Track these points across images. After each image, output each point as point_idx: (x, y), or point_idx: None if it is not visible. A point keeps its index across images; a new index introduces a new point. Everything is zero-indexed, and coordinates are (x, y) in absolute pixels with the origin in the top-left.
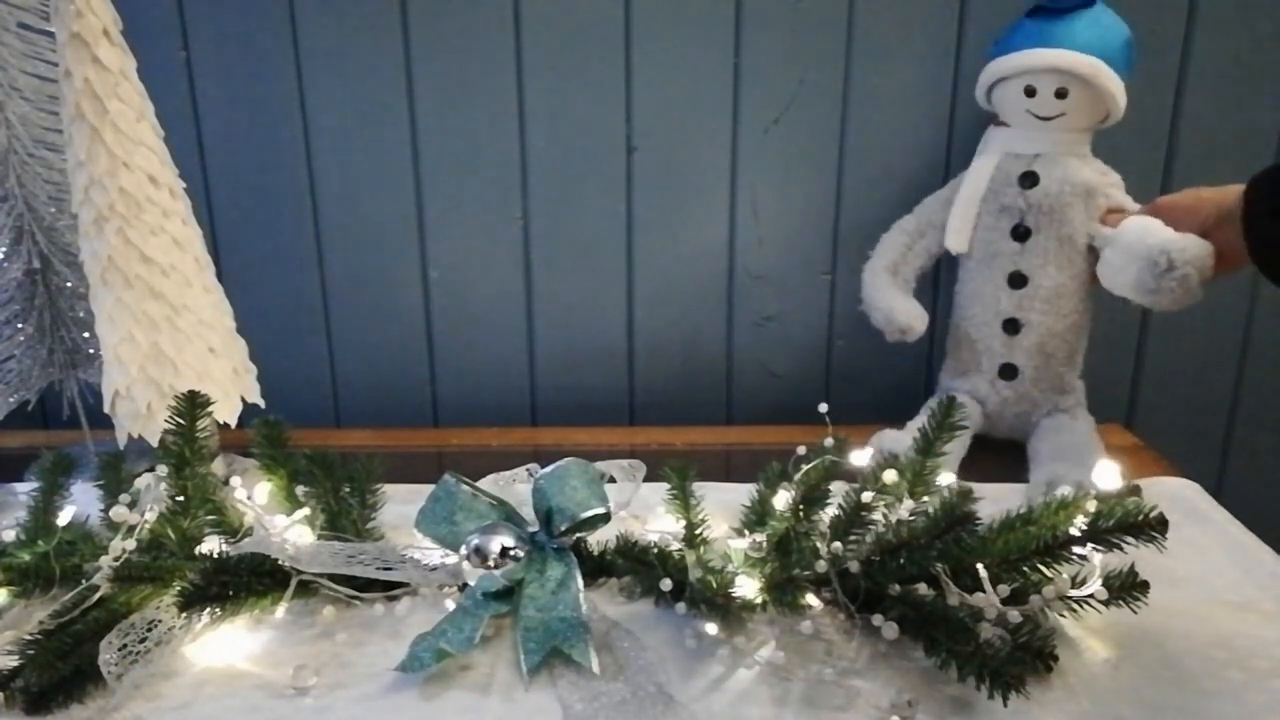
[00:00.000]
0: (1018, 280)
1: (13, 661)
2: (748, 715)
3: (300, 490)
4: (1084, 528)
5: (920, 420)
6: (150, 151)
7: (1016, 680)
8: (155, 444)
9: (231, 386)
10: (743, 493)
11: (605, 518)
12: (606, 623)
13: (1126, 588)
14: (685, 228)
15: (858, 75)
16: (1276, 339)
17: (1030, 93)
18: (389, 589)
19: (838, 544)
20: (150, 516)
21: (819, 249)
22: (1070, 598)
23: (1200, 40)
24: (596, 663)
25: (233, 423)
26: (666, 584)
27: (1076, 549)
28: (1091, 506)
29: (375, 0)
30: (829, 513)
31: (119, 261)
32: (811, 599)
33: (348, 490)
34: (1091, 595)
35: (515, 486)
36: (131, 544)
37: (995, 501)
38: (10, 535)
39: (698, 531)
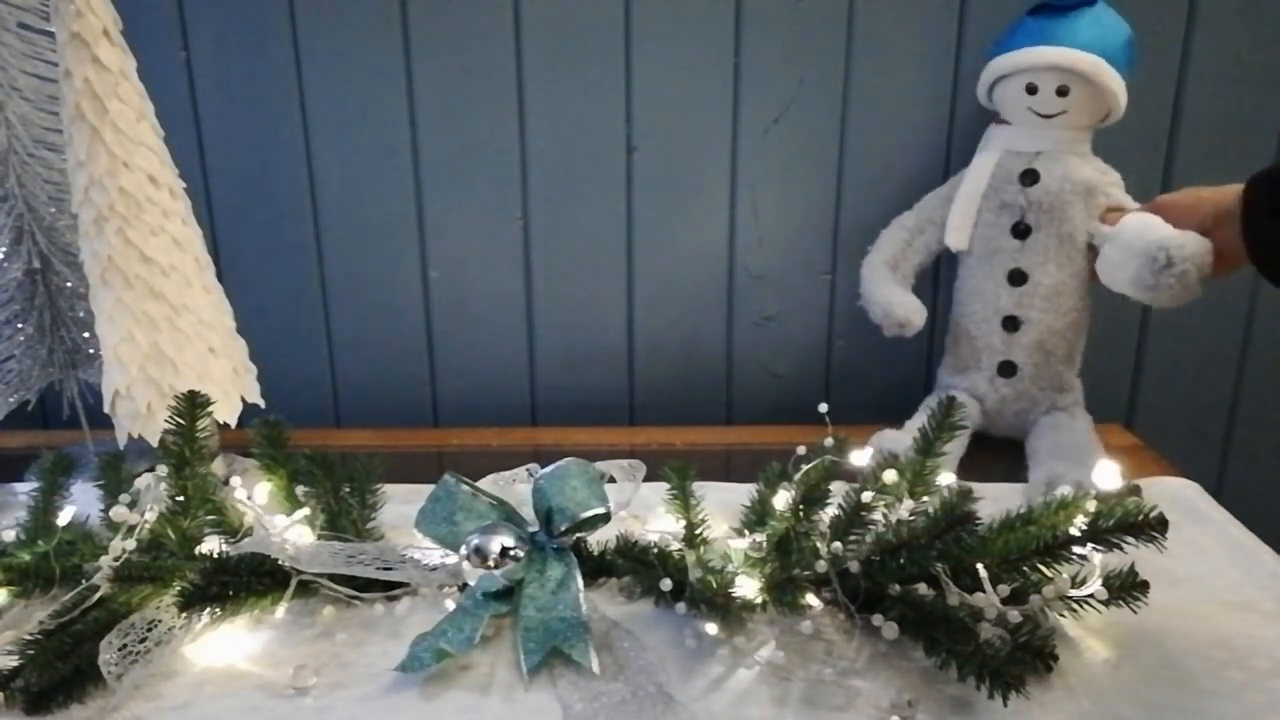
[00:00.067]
0: (1017, 278)
1: (13, 661)
2: (748, 715)
3: (300, 490)
4: (1084, 528)
5: (920, 420)
6: (150, 151)
7: (1016, 680)
8: (155, 444)
9: (231, 386)
10: (743, 493)
11: (605, 518)
12: (606, 623)
13: (1126, 588)
14: (685, 228)
15: (858, 75)
16: (1276, 339)
17: (1032, 90)
18: (389, 589)
19: (838, 544)
20: (150, 516)
21: (819, 249)
22: (1070, 598)
23: (1200, 40)
24: (596, 663)
25: (233, 423)
26: (666, 584)
27: (1076, 549)
28: (1091, 506)
29: (375, 0)
30: (829, 513)
31: (119, 261)
32: (811, 599)
33: (348, 490)
34: (1091, 595)
35: (515, 486)
36: (131, 544)
37: (995, 501)
38: (10, 535)
39: (698, 531)
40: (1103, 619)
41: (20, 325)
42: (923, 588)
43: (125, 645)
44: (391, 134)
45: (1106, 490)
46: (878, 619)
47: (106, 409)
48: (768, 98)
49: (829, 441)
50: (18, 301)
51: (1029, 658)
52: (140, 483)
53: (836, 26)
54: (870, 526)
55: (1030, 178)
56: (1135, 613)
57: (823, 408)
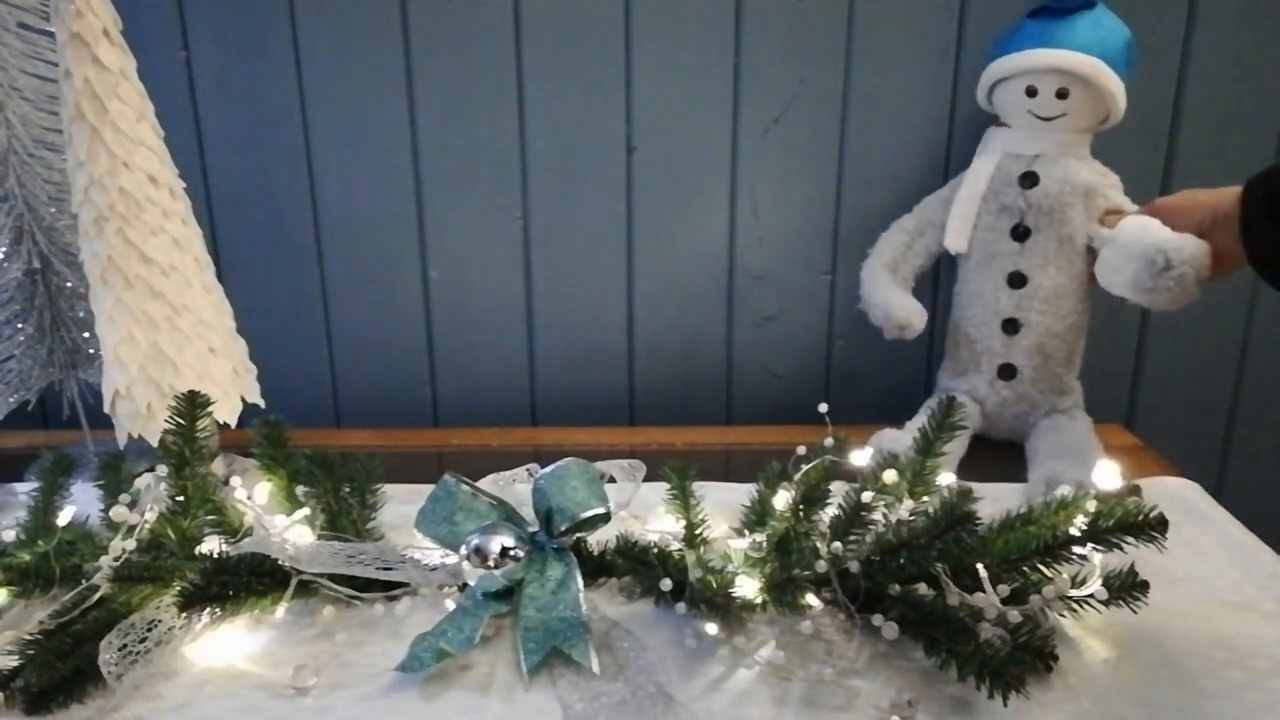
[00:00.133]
0: (1017, 280)
1: (13, 661)
2: (748, 715)
3: (300, 490)
4: (1084, 528)
5: (920, 420)
6: (150, 151)
7: (1016, 680)
8: (155, 444)
9: (231, 386)
10: (743, 493)
11: (605, 518)
12: (606, 623)
13: (1126, 588)
14: (685, 228)
15: (858, 75)
16: (1276, 339)
17: (1031, 93)
18: (389, 589)
19: (838, 544)
20: (150, 516)
21: (819, 249)
22: (1070, 598)
23: (1200, 40)
24: (596, 663)
25: (233, 423)
26: (666, 584)
27: (1076, 549)
28: (1091, 506)
29: (375, 0)
30: (829, 513)
31: (119, 261)
32: (811, 599)
33: (348, 490)
34: (1091, 595)
35: (515, 486)
36: (131, 544)
37: (995, 501)
38: (10, 535)
39: (698, 531)
40: (1103, 619)
41: (20, 325)
42: (923, 588)
43: (125, 645)
44: (391, 134)
45: (1106, 490)
46: (878, 619)
47: (106, 409)
48: (768, 98)
49: (829, 441)
50: (18, 301)
51: (1029, 658)
52: (140, 483)
53: (836, 26)
54: (870, 526)
55: (1030, 180)
56: (1135, 613)
57: (823, 408)
